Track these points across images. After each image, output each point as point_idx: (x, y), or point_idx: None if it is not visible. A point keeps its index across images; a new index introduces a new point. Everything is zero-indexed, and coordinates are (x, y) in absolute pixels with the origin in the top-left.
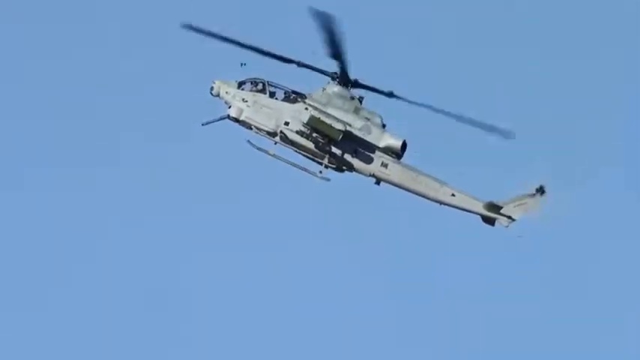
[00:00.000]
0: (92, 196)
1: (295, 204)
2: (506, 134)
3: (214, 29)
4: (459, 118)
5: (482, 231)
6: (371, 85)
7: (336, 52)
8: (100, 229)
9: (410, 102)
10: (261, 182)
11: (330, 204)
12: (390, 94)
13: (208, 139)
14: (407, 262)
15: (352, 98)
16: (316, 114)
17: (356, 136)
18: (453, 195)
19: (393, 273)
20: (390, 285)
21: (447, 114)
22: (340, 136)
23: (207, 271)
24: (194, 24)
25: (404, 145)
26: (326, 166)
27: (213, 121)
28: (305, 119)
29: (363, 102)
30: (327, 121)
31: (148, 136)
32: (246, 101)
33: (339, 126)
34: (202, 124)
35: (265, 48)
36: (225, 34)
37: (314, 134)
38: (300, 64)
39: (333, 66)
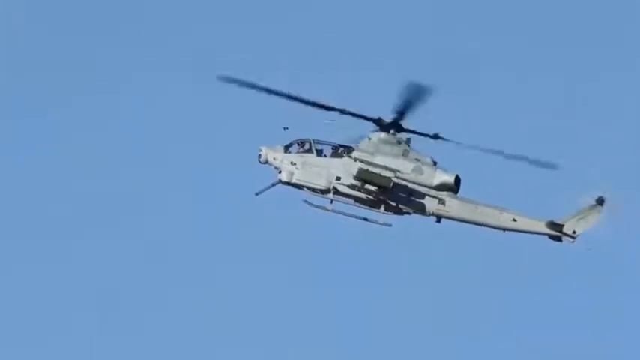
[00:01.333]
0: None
1: (362, 254)
2: (550, 166)
3: (251, 79)
4: (506, 156)
5: (552, 251)
6: (414, 128)
7: (406, 111)
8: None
9: (456, 143)
10: (325, 237)
11: (397, 248)
12: (436, 136)
13: (266, 204)
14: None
15: (399, 142)
16: (364, 166)
17: (408, 180)
18: (514, 220)
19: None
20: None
21: (494, 152)
22: (391, 184)
23: (284, 328)
24: (232, 75)
25: (457, 180)
26: (385, 212)
27: (266, 189)
28: (354, 173)
29: (411, 143)
30: (376, 171)
31: (202, 210)
32: (295, 164)
33: (388, 174)
34: (256, 194)
35: (306, 97)
36: (263, 84)
37: (366, 186)
38: (343, 112)
39: (375, 112)
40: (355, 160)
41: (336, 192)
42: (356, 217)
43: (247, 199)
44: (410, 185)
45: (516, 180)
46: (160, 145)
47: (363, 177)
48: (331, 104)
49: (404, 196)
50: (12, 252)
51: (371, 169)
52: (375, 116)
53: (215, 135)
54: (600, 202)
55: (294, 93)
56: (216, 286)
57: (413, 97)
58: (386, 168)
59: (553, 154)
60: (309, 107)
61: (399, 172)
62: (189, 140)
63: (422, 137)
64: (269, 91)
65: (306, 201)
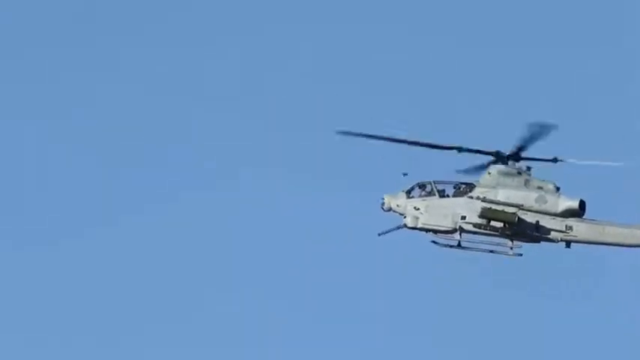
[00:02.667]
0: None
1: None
2: None
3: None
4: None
5: None
6: (534, 156)
7: (527, 146)
8: None
9: (578, 163)
10: (458, 275)
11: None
12: (555, 160)
13: (391, 247)
14: None
15: (519, 172)
16: (487, 204)
17: (533, 210)
18: None
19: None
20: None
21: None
22: (516, 218)
23: None
24: (349, 130)
25: (582, 204)
26: (513, 244)
27: (389, 231)
28: (478, 213)
29: (531, 172)
30: (499, 208)
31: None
32: (419, 209)
33: (512, 209)
34: (379, 234)
35: (422, 140)
36: (379, 133)
37: (492, 223)
38: (460, 150)
39: (492, 145)
40: (477, 197)
41: (462, 230)
42: (486, 250)
43: (374, 243)
44: (535, 215)
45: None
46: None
47: (488, 215)
48: (446, 143)
49: (530, 226)
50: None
51: (494, 206)
52: (493, 149)
53: (336, 186)
54: None
55: (409, 137)
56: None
57: (535, 134)
58: (509, 204)
59: None
60: (424, 148)
61: (522, 204)
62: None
63: (542, 162)
64: (384, 139)
65: (434, 242)
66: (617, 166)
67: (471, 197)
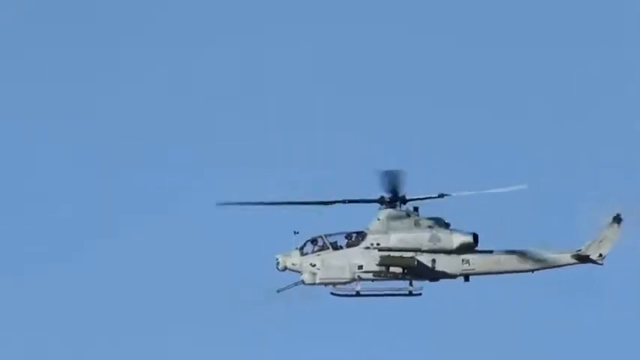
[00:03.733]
0: None
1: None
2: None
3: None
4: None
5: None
6: (420, 195)
7: (395, 191)
8: None
9: (462, 195)
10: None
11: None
12: (441, 195)
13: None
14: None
15: (408, 215)
16: (384, 253)
17: (428, 251)
18: (540, 261)
19: None
20: None
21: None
22: (416, 262)
23: None
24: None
25: (475, 237)
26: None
27: (288, 288)
28: (376, 261)
29: (419, 211)
30: (397, 254)
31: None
32: (315, 265)
33: (409, 254)
34: (277, 291)
35: (304, 199)
36: (260, 200)
37: (391, 269)
38: (345, 202)
39: (376, 192)
40: (371, 245)
41: (361, 279)
42: (386, 294)
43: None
44: (431, 254)
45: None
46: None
47: (387, 263)
48: (328, 199)
49: (428, 266)
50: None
51: (392, 253)
52: (377, 196)
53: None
54: (618, 219)
55: (289, 199)
56: None
57: (392, 182)
58: (404, 248)
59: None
60: (308, 206)
61: (417, 247)
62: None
63: (429, 200)
64: (265, 204)
65: (332, 293)
66: (502, 192)
67: (368, 247)
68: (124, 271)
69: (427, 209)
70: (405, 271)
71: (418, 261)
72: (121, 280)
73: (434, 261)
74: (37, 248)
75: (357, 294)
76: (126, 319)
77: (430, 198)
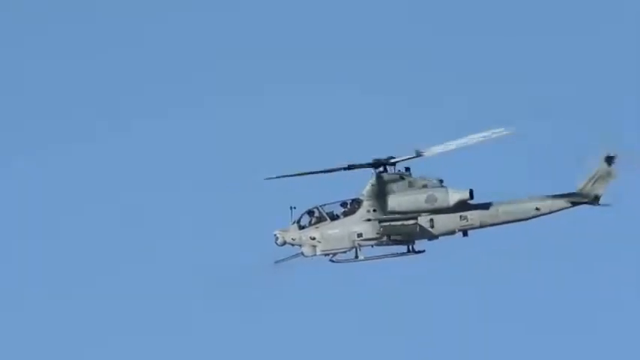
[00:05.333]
0: None
1: (412, 288)
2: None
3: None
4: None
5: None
6: (401, 157)
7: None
8: None
9: (439, 151)
10: (365, 286)
11: (441, 273)
12: (418, 154)
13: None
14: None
15: (401, 177)
16: (385, 223)
17: (426, 211)
18: (537, 209)
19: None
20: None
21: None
22: (418, 227)
23: None
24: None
25: (471, 193)
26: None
27: (287, 259)
28: (377, 231)
29: (411, 171)
30: (398, 223)
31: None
32: (314, 238)
33: (411, 222)
34: (276, 262)
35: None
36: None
37: (391, 237)
38: (337, 170)
39: (369, 155)
40: (368, 211)
41: (361, 246)
42: (388, 256)
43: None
44: (429, 214)
45: (520, 160)
46: None
47: (389, 232)
48: (323, 168)
49: (427, 227)
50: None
51: (393, 223)
52: (370, 160)
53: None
54: (609, 160)
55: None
56: None
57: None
58: (402, 212)
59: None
60: (303, 176)
61: (416, 209)
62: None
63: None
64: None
65: (332, 260)
66: (480, 140)
67: (369, 220)
68: (125, 242)
69: (419, 170)
70: (405, 237)
71: (420, 225)
72: (124, 250)
73: (432, 221)
74: None
75: (361, 258)
76: (131, 294)
77: (409, 159)
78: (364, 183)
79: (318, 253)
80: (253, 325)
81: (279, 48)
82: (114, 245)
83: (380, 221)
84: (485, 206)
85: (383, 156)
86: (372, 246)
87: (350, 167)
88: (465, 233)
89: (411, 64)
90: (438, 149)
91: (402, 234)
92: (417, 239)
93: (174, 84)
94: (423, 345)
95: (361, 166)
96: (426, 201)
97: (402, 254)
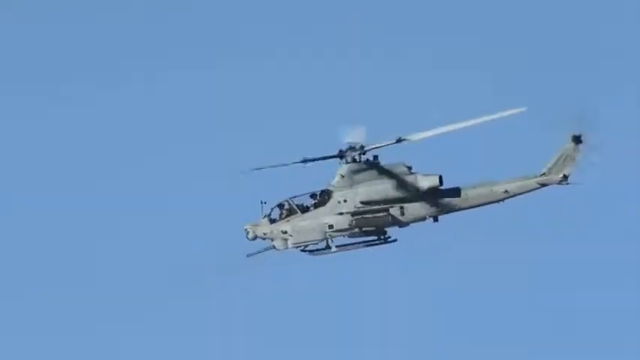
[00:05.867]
0: None
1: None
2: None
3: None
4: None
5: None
6: (378, 143)
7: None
8: None
9: (419, 138)
10: (341, 277)
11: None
12: (399, 140)
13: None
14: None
15: (370, 165)
16: (357, 216)
17: (397, 199)
18: (506, 191)
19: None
20: None
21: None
22: (390, 218)
23: None
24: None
25: (440, 179)
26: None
27: (258, 252)
28: (350, 222)
29: (379, 159)
30: (370, 216)
31: None
32: (286, 232)
33: (383, 213)
34: (248, 256)
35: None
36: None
37: (363, 228)
38: (305, 161)
39: (333, 147)
40: (339, 202)
41: (332, 238)
42: (360, 245)
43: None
44: (400, 204)
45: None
46: None
47: (362, 224)
48: (289, 161)
49: (398, 215)
50: None
51: (365, 215)
52: (335, 152)
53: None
54: (577, 139)
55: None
56: None
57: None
58: (373, 201)
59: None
60: (269, 169)
61: (386, 198)
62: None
63: (388, 147)
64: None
65: (306, 251)
66: (454, 129)
67: (341, 213)
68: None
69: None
70: (377, 229)
71: (392, 215)
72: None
73: (402, 209)
74: None
75: (333, 250)
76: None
77: (388, 145)
78: (331, 174)
79: (290, 246)
80: (232, 317)
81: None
82: (80, 240)
83: (352, 214)
84: (455, 191)
85: (356, 144)
86: (344, 236)
87: (315, 159)
88: (435, 219)
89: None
90: (421, 135)
91: (376, 225)
92: (388, 227)
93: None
94: (403, 334)
95: (327, 157)
96: (396, 189)
97: (375, 244)
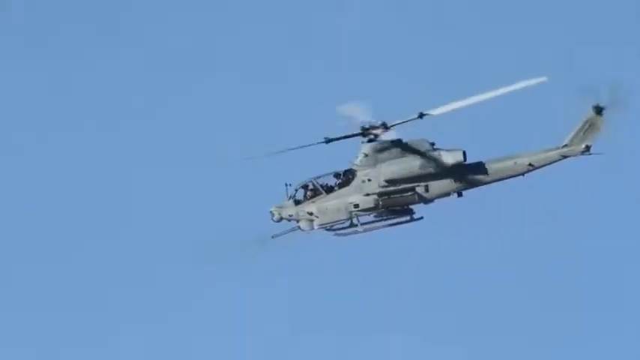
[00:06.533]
0: None
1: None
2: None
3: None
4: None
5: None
6: (399, 120)
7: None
8: None
9: (440, 112)
10: (371, 256)
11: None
12: (421, 115)
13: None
14: None
15: (394, 143)
16: (385, 197)
17: (422, 177)
18: (530, 164)
19: None
20: None
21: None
22: (416, 197)
23: None
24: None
25: (464, 155)
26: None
27: (284, 233)
28: (376, 202)
29: (402, 137)
30: (397, 195)
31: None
32: (312, 213)
33: (409, 193)
34: (273, 237)
35: (286, 147)
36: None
37: (389, 207)
38: (328, 141)
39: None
40: (363, 181)
41: (358, 217)
42: (387, 224)
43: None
44: (425, 182)
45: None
46: None
47: (389, 205)
48: (312, 141)
49: (423, 192)
50: None
51: (392, 195)
52: (358, 130)
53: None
54: (598, 110)
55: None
56: None
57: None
58: (397, 180)
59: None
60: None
61: (411, 176)
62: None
63: (410, 122)
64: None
65: (336, 234)
66: (475, 102)
67: (367, 194)
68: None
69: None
70: (404, 208)
71: (417, 194)
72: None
73: (427, 186)
74: None
75: (361, 230)
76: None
77: (410, 120)
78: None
79: (316, 227)
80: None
81: None
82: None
83: (378, 194)
84: (479, 165)
85: (376, 122)
86: (369, 215)
87: (339, 138)
88: (459, 194)
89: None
90: (442, 110)
91: (403, 204)
92: (414, 205)
93: None
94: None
95: (351, 135)
96: (420, 167)
97: (401, 222)
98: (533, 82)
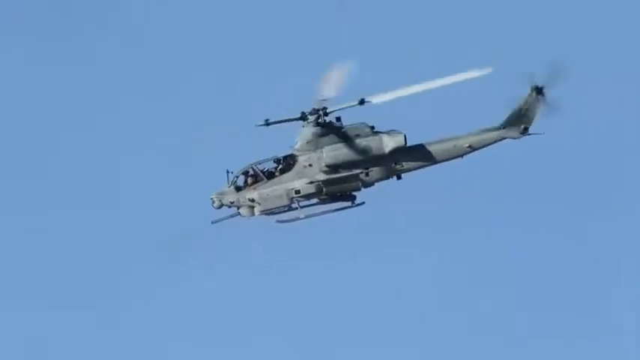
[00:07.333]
0: None
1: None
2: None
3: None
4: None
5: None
6: (340, 106)
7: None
8: None
9: (382, 100)
10: (314, 242)
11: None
12: (362, 102)
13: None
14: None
15: (334, 128)
16: (328, 184)
17: (362, 161)
18: (469, 146)
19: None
20: None
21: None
22: (360, 183)
23: None
24: None
25: (405, 138)
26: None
27: (224, 219)
28: (318, 188)
29: (342, 121)
30: (340, 181)
31: None
32: (253, 200)
33: (353, 179)
34: (212, 223)
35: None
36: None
37: (331, 193)
38: (268, 124)
39: (295, 110)
40: (304, 167)
41: (299, 202)
42: (329, 211)
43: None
44: (365, 165)
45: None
46: None
47: (332, 192)
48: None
49: (363, 177)
50: None
51: (335, 184)
52: (297, 114)
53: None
54: (538, 90)
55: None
56: None
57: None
58: (337, 165)
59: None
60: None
61: (350, 159)
62: None
63: (350, 109)
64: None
65: (278, 221)
66: (418, 90)
67: (310, 181)
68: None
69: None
70: (346, 193)
71: (360, 180)
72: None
73: (367, 169)
74: None
75: (302, 217)
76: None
77: (351, 106)
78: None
79: (257, 213)
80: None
81: None
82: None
83: (320, 181)
84: (419, 148)
85: (320, 106)
86: (309, 200)
87: (277, 122)
88: (399, 177)
89: None
90: (384, 97)
91: (347, 191)
92: (356, 191)
93: None
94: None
95: (291, 119)
96: (361, 152)
97: (343, 208)
98: (478, 73)
